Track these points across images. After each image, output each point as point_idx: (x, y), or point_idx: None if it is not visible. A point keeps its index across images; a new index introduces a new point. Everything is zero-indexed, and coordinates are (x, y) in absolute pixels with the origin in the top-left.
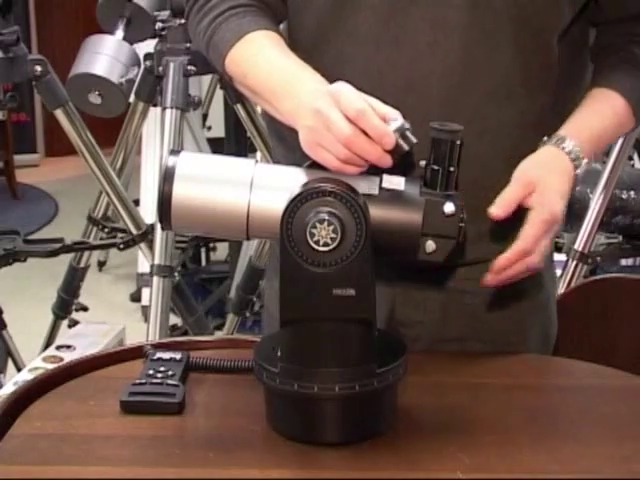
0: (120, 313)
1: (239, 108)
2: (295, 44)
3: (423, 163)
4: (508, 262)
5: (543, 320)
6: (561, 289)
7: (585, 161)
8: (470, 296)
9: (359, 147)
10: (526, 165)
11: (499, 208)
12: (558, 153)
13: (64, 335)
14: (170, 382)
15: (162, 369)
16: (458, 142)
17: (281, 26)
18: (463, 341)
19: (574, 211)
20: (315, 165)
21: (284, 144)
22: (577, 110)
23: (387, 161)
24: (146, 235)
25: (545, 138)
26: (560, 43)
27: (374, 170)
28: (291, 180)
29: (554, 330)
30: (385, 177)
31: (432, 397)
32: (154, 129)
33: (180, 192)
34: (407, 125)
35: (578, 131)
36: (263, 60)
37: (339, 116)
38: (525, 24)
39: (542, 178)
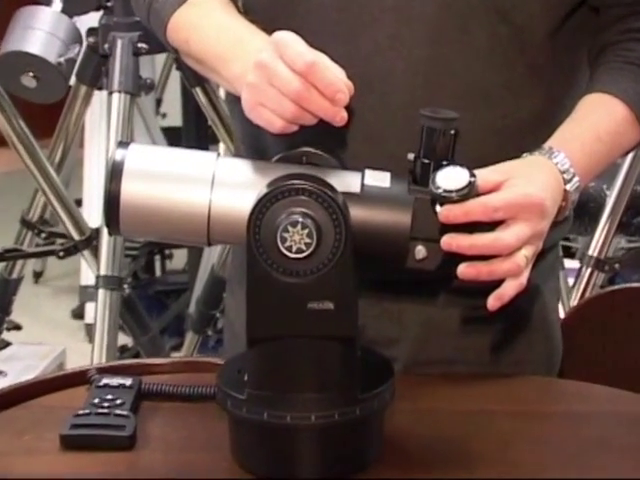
0: (60, 332)
1: (198, 92)
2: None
3: (411, 156)
4: (463, 213)
5: (543, 338)
6: (574, 301)
7: (577, 179)
8: (454, 310)
9: (311, 102)
10: (502, 164)
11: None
12: (544, 160)
13: None
14: (119, 412)
15: (109, 397)
16: (452, 132)
17: None
18: (448, 364)
19: (588, 210)
20: (286, 159)
21: (253, 141)
22: (567, 120)
23: (343, 118)
24: (90, 241)
25: (525, 154)
26: (552, 42)
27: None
28: (259, 176)
29: (558, 349)
30: (368, 172)
31: (424, 426)
32: (99, 117)
33: (130, 191)
34: None
35: (565, 142)
36: (209, 23)
37: (285, 69)
38: (504, 18)
39: (520, 169)
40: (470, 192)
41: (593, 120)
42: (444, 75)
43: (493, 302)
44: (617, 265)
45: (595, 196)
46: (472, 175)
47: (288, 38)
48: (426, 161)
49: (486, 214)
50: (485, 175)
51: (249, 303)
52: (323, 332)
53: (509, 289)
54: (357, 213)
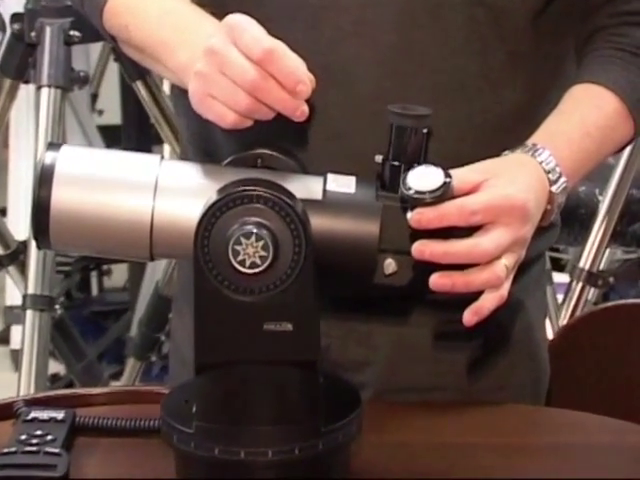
0: None
1: (139, 86)
2: None
3: (379, 158)
4: (437, 217)
5: (528, 360)
6: (563, 319)
7: (564, 179)
8: (428, 329)
9: (269, 93)
10: (480, 163)
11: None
12: (527, 159)
13: None
14: (50, 450)
15: (39, 433)
16: (425, 130)
17: None
18: (422, 391)
19: (579, 217)
20: (239, 162)
21: (200, 137)
22: (552, 114)
23: (304, 112)
24: (16, 255)
25: (507, 152)
26: (535, 26)
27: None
28: (208, 182)
29: (545, 373)
30: (331, 177)
31: (396, 461)
32: (26, 114)
33: (61, 198)
34: None
35: (551, 138)
36: (151, 7)
37: (239, 56)
38: (481, 0)
39: (500, 168)
40: (445, 194)
41: (581, 114)
42: (414, 64)
43: (470, 317)
44: (611, 279)
45: (586, 201)
46: (447, 175)
47: (243, 21)
48: (396, 163)
49: (463, 218)
50: (462, 175)
51: (197, 324)
52: (281, 356)
53: (488, 302)
54: (319, 222)
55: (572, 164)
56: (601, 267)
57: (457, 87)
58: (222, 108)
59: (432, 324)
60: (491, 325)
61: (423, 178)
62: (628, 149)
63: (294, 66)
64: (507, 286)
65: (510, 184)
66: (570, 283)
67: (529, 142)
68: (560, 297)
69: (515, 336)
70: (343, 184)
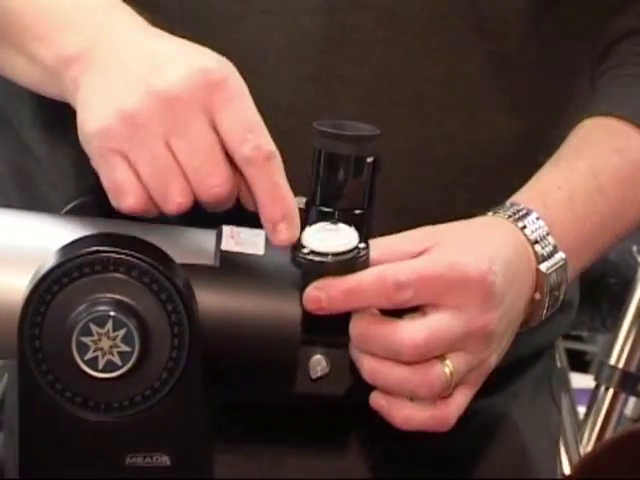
0: None
1: None
2: None
3: (301, 202)
4: (343, 293)
5: None
6: (587, 444)
7: (561, 255)
8: (361, 461)
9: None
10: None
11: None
12: (502, 223)
13: None
14: None
15: None
16: (370, 159)
17: None
18: None
19: (607, 290)
20: (86, 209)
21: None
22: (551, 159)
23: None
24: None
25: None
26: (530, 20)
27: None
28: (40, 239)
29: None
30: (227, 230)
31: None
32: None
33: None
34: None
35: (541, 192)
36: None
37: (213, 138)
38: None
39: (456, 233)
40: (354, 262)
41: (591, 160)
42: (347, 63)
43: (377, 401)
44: None
45: (618, 266)
46: (364, 241)
47: (237, 86)
48: (326, 209)
49: (384, 293)
50: (394, 243)
51: (23, 457)
52: None
53: (419, 419)
54: (210, 301)
55: (575, 233)
56: None
57: (408, 100)
58: (130, 180)
59: (366, 453)
60: (458, 452)
61: (327, 235)
62: None
63: (286, 189)
64: (453, 409)
65: (462, 250)
66: (596, 389)
67: (508, 201)
68: (582, 410)
69: (498, 474)
70: (246, 241)
